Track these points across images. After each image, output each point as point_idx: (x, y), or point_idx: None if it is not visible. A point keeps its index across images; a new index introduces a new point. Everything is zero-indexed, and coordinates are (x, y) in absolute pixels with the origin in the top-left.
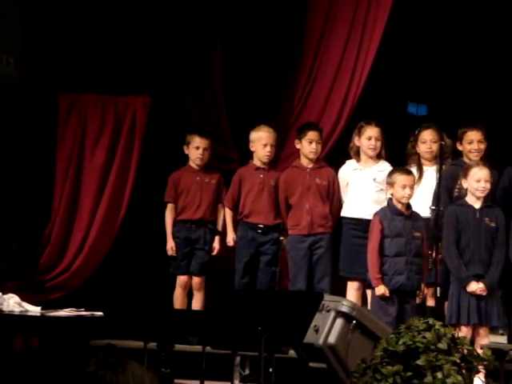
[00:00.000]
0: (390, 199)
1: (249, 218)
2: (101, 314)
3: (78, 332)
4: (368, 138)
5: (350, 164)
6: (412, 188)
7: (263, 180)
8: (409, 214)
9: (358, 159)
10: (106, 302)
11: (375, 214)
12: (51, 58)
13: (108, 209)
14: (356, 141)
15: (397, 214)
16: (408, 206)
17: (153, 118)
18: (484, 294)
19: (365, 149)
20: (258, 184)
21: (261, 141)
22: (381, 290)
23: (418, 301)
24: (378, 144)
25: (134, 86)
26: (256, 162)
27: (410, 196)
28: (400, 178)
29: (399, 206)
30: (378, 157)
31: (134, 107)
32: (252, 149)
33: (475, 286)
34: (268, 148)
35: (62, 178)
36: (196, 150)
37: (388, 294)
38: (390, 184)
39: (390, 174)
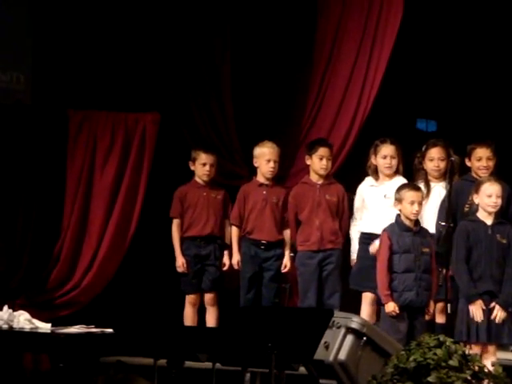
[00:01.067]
0: (399, 215)
1: (251, 234)
2: (111, 330)
3: (88, 349)
4: (383, 156)
5: (368, 181)
6: (420, 204)
7: (266, 196)
8: (417, 230)
9: (377, 177)
10: (115, 319)
11: (383, 230)
12: (61, 75)
13: (118, 226)
14: (373, 159)
15: (405, 230)
16: (416, 222)
17: (163, 134)
18: (503, 315)
19: (381, 168)
20: (261, 200)
21: (264, 156)
22: (390, 307)
23: (426, 317)
24: (394, 162)
25: (143, 102)
26: (259, 178)
27: (418, 212)
28: (408, 195)
29: (407, 222)
30: (395, 173)
31: (144, 124)
32: (256, 164)
33: (480, 306)
34: (271, 164)
35: (72, 194)
36: (203, 166)
37: (398, 311)
38: (399, 200)
39: (399, 190)
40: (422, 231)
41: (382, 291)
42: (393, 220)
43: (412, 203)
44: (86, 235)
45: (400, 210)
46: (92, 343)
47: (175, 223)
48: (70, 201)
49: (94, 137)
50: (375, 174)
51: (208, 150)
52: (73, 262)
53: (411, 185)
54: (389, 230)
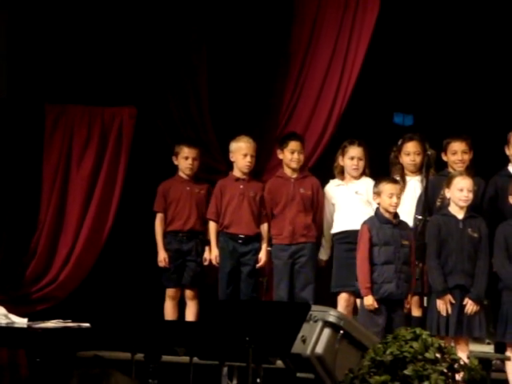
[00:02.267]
0: (378, 208)
1: (229, 228)
2: (88, 325)
3: (65, 343)
4: (351, 157)
5: (334, 182)
6: (399, 197)
7: (243, 191)
8: (397, 223)
9: (342, 178)
10: (92, 314)
11: (363, 223)
12: (37, 68)
13: (95, 220)
14: (340, 160)
15: (385, 223)
16: (396, 215)
17: (139, 128)
18: (475, 309)
19: (348, 169)
20: (239, 195)
21: (241, 151)
22: (369, 300)
23: (404, 310)
24: (361, 164)
25: (120, 97)
26: (236, 172)
27: (396, 204)
28: (387, 187)
29: (387, 215)
30: (362, 175)
31: (121, 118)
32: (232, 159)
33: (447, 301)
34: (248, 158)
35: (48, 189)
36: (185, 160)
37: (376, 305)
38: (377, 193)
39: (377, 183)
40: (402, 224)
41: (362, 284)
42: (366, 215)
43: (391, 196)
44: (63, 230)
45: (379, 204)
46: (69, 338)
47: (158, 217)
48: (46, 195)
49: (70, 131)
50: (341, 175)
51: (191, 144)
52: (49, 257)
53: (389, 178)
54: (368, 222)
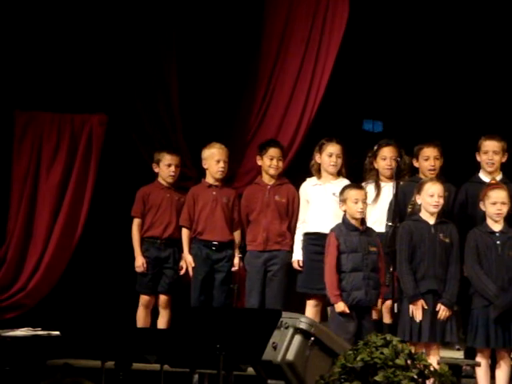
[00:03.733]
0: (344, 215)
1: (202, 235)
2: (57, 333)
3: (35, 352)
4: (329, 154)
5: (311, 181)
6: (364, 202)
7: (216, 197)
8: (364, 230)
9: (319, 176)
10: (62, 321)
11: (331, 230)
12: (7, 75)
13: (64, 227)
14: (317, 158)
15: (352, 230)
16: (362, 222)
17: (110, 135)
18: (448, 314)
19: (325, 166)
20: (212, 201)
21: (214, 157)
22: (340, 306)
23: (374, 316)
24: (339, 161)
25: (90, 104)
26: (209, 179)
27: (362, 210)
28: (351, 193)
29: (354, 222)
30: (338, 174)
31: (91, 125)
32: (205, 166)
33: (420, 306)
34: (221, 164)
35: (17, 196)
36: (168, 167)
37: (348, 311)
38: (343, 201)
39: (342, 191)
40: (369, 231)
41: (331, 291)
42: (339, 218)
43: (356, 201)
44: (32, 237)
45: (345, 211)
46: (38, 346)
47: (136, 223)
48: (15, 202)
49: (39, 138)
50: (318, 173)
51: (172, 151)
52: (19, 265)
53: (353, 184)
54: (336, 230)
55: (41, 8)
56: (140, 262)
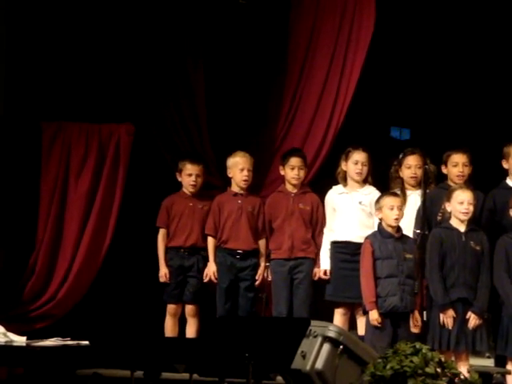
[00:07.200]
0: (380, 223)
1: (227, 243)
2: (87, 342)
3: (64, 361)
4: (355, 162)
5: (337, 189)
6: (400, 209)
7: (241, 206)
8: (399, 236)
9: (345, 184)
10: (91, 331)
11: (366, 238)
12: (34, 86)
13: (93, 237)
14: (343, 166)
15: (387, 237)
16: (398, 229)
17: (137, 145)
18: (478, 322)
19: (351, 173)
20: (237, 210)
21: (238, 166)
22: (374, 315)
23: (416, 330)
24: (365, 169)
25: (117, 114)
26: (234, 188)
27: (398, 217)
28: (387, 201)
29: (389, 229)
30: (365, 182)
31: (118, 135)
32: (230, 175)
33: (451, 314)
34: (245, 172)
35: (46, 206)
36: (189, 176)
37: (380, 321)
38: (379, 209)
39: (378, 199)
40: (404, 238)
41: (367, 298)
42: (366, 227)
43: (392, 208)
44: (61, 247)
45: (381, 219)
46: (68, 356)
47: (161, 233)
48: (44, 213)
49: (67, 148)
50: (344, 180)
51: (194, 161)
52: (48, 274)
53: (389, 192)
54: (370, 237)
55: (69, 20)
56: (163, 272)
